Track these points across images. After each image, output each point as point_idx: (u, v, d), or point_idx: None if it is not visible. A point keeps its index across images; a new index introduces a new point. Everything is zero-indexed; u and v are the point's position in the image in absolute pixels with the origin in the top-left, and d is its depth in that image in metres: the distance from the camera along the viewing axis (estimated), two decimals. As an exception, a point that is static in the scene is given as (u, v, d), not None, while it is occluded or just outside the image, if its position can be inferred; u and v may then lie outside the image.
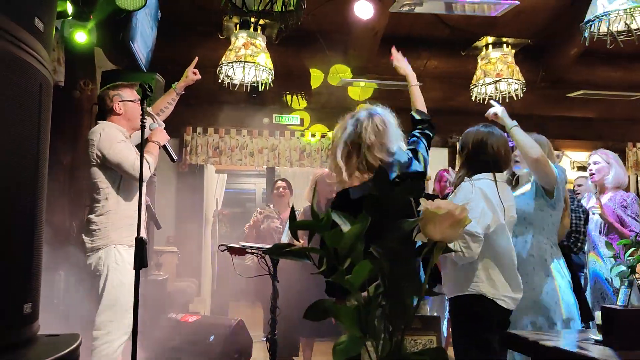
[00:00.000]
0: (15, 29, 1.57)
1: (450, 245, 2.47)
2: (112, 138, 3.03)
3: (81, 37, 3.76)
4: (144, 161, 2.93)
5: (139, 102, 3.15)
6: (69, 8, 3.35)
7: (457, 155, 3.02)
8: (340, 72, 5.70)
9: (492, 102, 3.21)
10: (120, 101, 3.16)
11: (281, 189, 5.38)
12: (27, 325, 1.68)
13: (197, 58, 3.82)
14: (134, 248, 2.98)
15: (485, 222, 2.58)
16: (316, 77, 5.90)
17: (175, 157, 3.35)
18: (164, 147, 3.25)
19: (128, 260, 2.97)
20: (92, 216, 3.05)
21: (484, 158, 2.78)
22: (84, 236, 3.05)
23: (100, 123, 3.13)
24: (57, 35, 3.61)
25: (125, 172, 3.01)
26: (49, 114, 1.88)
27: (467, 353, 2.63)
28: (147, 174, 2.99)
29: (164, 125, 3.64)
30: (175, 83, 3.66)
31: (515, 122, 3.03)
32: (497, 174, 2.76)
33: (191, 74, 3.68)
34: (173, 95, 3.66)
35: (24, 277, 1.67)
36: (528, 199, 3.06)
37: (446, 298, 3.15)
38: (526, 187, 3.14)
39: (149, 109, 3.56)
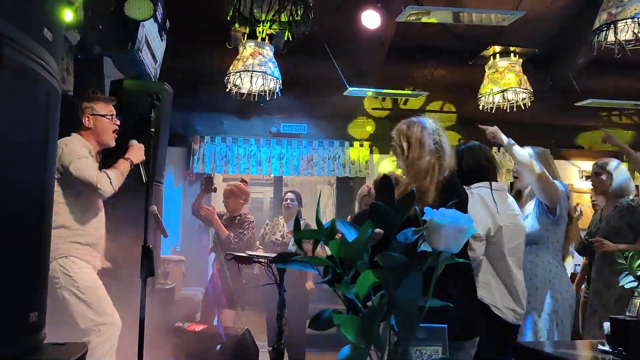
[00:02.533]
0: (24, 39, 1.58)
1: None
2: (75, 153, 2.94)
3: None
4: (106, 176, 2.91)
5: (111, 117, 3.11)
6: (68, 14, 3.31)
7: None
8: None
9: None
10: (91, 115, 3.08)
11: (289, 201, 5.39)
12: (33, 334, 1.68)
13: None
14: (84, 261, 2.94)
15: (485, 225, 2.57)
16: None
17: (145, 178, 3.23)
18: (138, 165, 3.14)
19: (80, 265, 2.92)
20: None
21: (461, 173, 2.73)
22: None
23: (63, 139, 2.99)
24: (66, 45, 3.64)
25: (88, 187, 2.93)
26: (57, 123, 1.89)
27: None
28: (108, 189, 2.93)
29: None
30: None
31: (511, 140, 3.00)
32: (495, 183, 2.75)
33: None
34: None
35: (30, 286, 1.68)
36: (532, 221, 3.05)
37: None
38: (529, 207, 3.14)
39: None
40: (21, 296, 1.62)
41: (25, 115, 1.62)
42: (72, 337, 2.62)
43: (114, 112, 3.14)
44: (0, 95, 1.48)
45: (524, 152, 2.96)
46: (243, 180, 5.31)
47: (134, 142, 3.17)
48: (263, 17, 3.37)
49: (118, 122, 3.14)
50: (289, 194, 5.44)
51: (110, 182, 2.94)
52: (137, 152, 3.14)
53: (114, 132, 3.14)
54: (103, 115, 3.09)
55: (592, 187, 3.86)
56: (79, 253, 2.95)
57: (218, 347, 3.82)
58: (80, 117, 3.08)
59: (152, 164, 3.13)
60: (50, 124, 1.79)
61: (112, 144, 3.16)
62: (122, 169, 3.05)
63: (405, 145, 2.37)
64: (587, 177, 7.22)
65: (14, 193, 1.57)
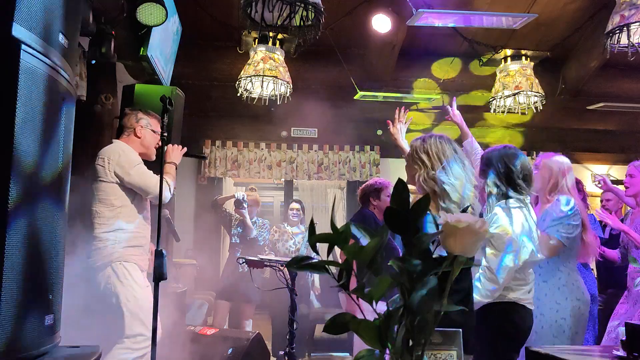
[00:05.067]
0: (41, 45, 1.60)
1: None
2: (132, 160, 3.06)
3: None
4: (166, 183, 2.96)
5: (159, 135, 3.17)
6: (94, 26, 3.40)
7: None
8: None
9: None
10: (144, 126, 3.20)
11: (294, 211, 5.61)
12: (49, 337, 1.70)
13: None
14: (138, 266, 3.03)
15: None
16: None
17: (204, 155, 3.43)
18: (189, 154, 3.34)
19: (135, 275, 3.00)
20: (97, 233, 3.00)
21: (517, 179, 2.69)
22: (87, 257, 2.97)
23: (116, 142, 3.16)
24: (79, 50, 3.67)
25: (149, 194, 3.07)
26: (72, 128, 1.91)
27: None
28: (167, 195, 3.02)
29: None
30: None
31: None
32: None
33: None
34: None
35: (46, 290, 1.69)
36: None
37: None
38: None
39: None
40: (37, 300, 1.63)
41: (42, 121, 1.64)
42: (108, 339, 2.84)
43: (160, 131, 3.18)
44: (17, 101, 1.50)
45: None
46: (253, 189, 5.72)
47: (169, 146, 3.29)
48: (274, 22, 3.38)
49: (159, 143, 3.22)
50: (294, 203, 5.67)
51: (170, 188, 3.09)
52: (176, 153, 3.28)
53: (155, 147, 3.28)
54: (154, 131, 3.23)
55: (625, 186, 3.80)
56: (134, 258, 3.03)
57: (230, 350, 3.83)
58: (134, 125, 3.20)
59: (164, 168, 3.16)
60: (65, 130, 1.81)
61: (153, 158, 3.27)
62: (172, 173, 3.21)
63: (425, 157, 2.28)
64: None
65: (30, 198, 1.58)
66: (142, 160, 3.20)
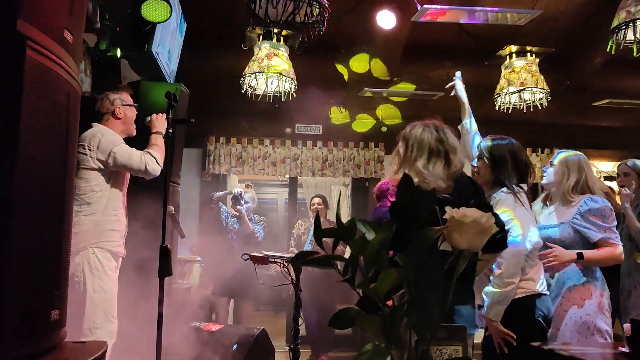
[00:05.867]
0: (45, 40, 1.60)
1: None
2: (113, 141, 3.02)
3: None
4: (150, 155, 2.99)
5: (135, 106, 3.25)
6: (98, 22, 3.42)
7: (483, 165, 2.90)
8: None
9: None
10: (121, 105, 3.18)
11: (316, 205, 5.88)
12: (55, 332, 1.70)
13: None
14: (110, 253, 2.96)
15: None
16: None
17: (189, 119, 3.28)
18: (174, 120, 3.17)
19: (107, 265, 2.94)
20: (75, 218, 2.86)
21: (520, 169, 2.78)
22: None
23: (95, 126, 3.10)
24: (84, 46, 3.68)
25: (136, 171, 3.04)
26: (77, 124, 1.91)
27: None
28: (156, 168, 3.02)
29: None
30: None
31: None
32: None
33: None
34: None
35: (52, 284, 1.70)
36: (567, 230, 2.92)
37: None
38: (565, 216, 2.99)
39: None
40: (43, 294, 1.64)
41: (47, 116, 1.64)
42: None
43: (133, 102, 3.28)
44: (22, 96, 1.50)
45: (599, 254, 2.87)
46: (249, 185, 5.93)
47: (153, 115, 3.25)
48: (278, 19, 3.37)
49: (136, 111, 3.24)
50: (316, 198, 5.87)
51: (157, 160, 3.06)
52: (161, 122, 3.22)
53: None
54: (130, 105, 3.21)
55: (618, 187, 3.79)
56: (110, 244, 2.98)
57: (235, 346, 3.84)
58: (111, 108, 3.16)
59: (169, 165, 3.16)
60: (70, 125, 1.81)
61: (134, 133, 3.24)
62: (159, 143, 3.16)
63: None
64: (605, 178, 7.14)
65: (36, 193, 1.59)
66: (127, 136, 3.19)
